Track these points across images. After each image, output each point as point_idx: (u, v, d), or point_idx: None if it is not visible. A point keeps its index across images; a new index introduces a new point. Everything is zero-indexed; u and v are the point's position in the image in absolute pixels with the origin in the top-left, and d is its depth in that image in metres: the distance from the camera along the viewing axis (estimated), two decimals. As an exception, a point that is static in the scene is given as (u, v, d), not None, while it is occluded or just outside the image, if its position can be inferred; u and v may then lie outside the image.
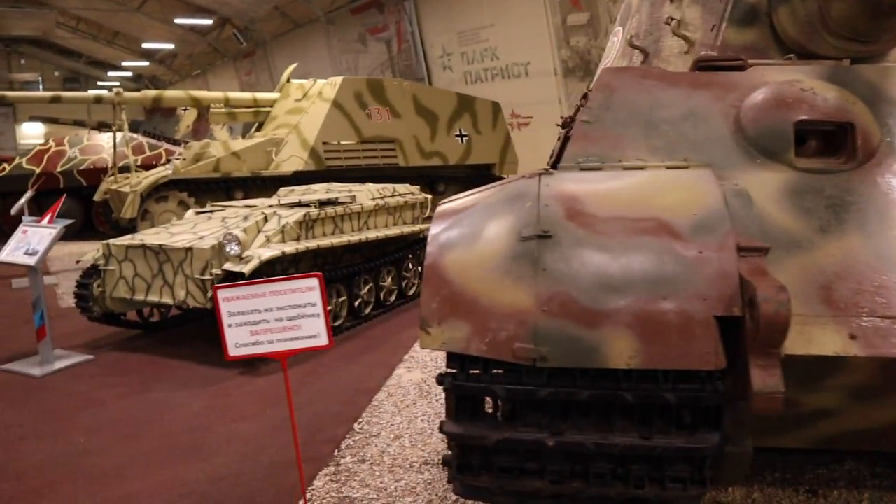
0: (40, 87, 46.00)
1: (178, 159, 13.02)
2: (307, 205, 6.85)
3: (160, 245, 5.84)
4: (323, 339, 2.96)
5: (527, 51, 15.72)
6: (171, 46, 29.17)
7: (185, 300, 5.78)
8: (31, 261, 5.60)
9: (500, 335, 2.25)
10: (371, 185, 8.32)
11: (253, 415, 4.79)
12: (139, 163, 13.38)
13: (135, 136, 14.46)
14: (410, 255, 8.02)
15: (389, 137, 11.36)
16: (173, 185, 9.65)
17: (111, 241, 6.16)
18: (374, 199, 7.79)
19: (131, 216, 9.30)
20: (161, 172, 9.96)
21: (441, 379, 2.38)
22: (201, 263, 5.65)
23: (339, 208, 7.02)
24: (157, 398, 5.14)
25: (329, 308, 6.56)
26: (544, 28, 15.02)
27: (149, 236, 6.21)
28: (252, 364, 5.83)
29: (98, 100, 10.59)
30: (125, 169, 12.99)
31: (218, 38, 31.15)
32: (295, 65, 12.46)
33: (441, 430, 2.36)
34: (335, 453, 4.20)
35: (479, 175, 12.52)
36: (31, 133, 46.08)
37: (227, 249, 5.57)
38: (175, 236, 6.10)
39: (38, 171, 13.64)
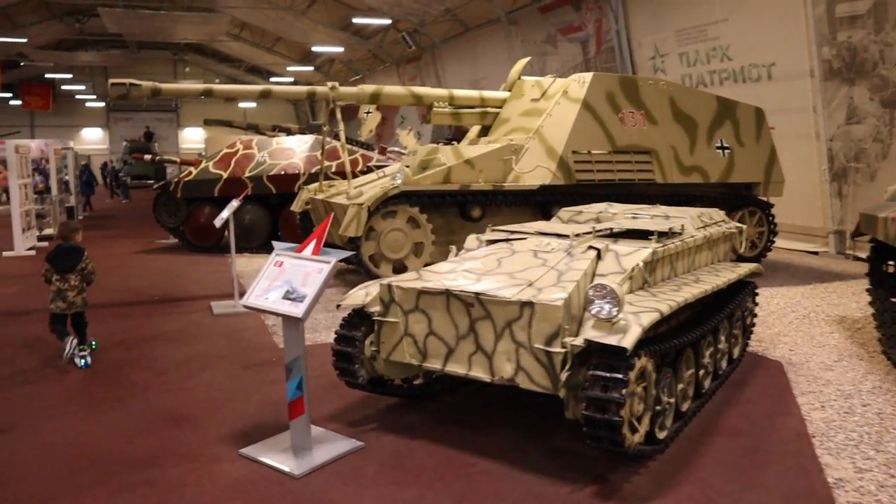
0: (201, 92, 47.11)
1: (379, 165, 11.50)
2: (644, 236, 4.87)
3: (476, 294, 3.98)
4: None
5: (772, 49, 13.22)
6: (340, 49, 28.41)
7: (512, 377, 3.89)
8: (298, 310, 3.87)
9: None
10: (678, 208, 6.29)
11: None
12: (333, 169, 11.96)
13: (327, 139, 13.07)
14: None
15: (645, 147, 9.28)
16: (403, 198, 7.94)
17: (394, 280, 4.36)
18: (698, 228, 5.74)
19: (356, 234, 7.63)
20: (386, 183, 8.31)
21: None
22: (549, 327, 3.74)
23: (678, 242, 5.00)
24: (502, 545, 3.24)
25: (680, 386, 4.53)
26: (800, 21, 12.50)
27: (445, 276, 4.38)
28: (607, 479, 3.87)
29: (311, 95, 9.12)
30: (315, 176, 11.58)
31: (381, 42, 30.17)
32: (528, 59, 10.63)
33: None
34: None
35: (737, 196, 10.22)
36: (192, 138, 47.40)
37: (596, 310, 3.63)
38: (485, 279, 4.24)
39: (225, 175, 12.46)
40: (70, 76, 39.46)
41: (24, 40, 28.54)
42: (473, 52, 24.89)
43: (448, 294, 4.08)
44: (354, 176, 11.57)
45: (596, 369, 3.60)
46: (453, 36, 25.64)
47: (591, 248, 4.58)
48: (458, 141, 14.81)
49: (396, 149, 13.66)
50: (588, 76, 9.13)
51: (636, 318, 3.67)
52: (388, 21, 23.98)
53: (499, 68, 22.66)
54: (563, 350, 3.70)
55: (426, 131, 15.37)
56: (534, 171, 8.49)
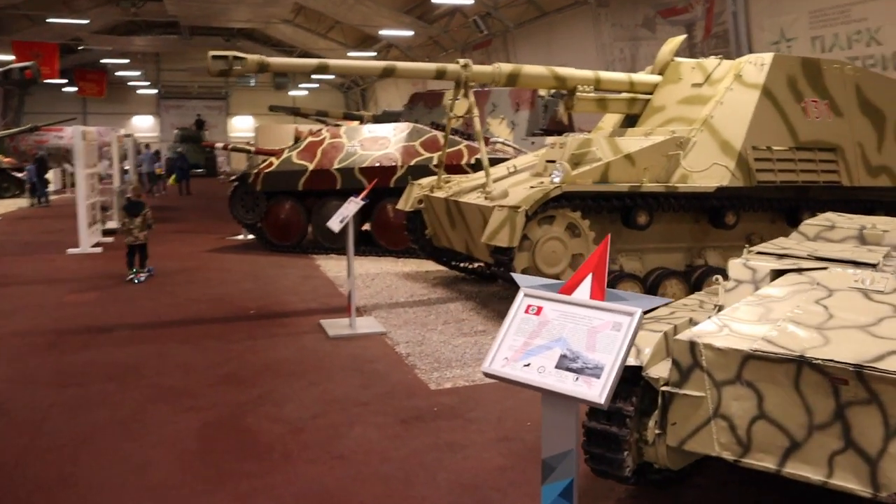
0: (252, 81, 46.42)
1: (494, 159, 10.08)
2: None
3: (857, 367, 2.56)
4: None
5: (933, 32, 11.57)
6: (410, 33, 27.22)
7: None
8: (594, 392, 2.43)
9: None
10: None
11: None
12: (434, 162, 10.58)
13: (422, 127, 11.73)
14: None
15: (830, 143, 7.75)
16: (563, 200, 6.53)
17: (697, 333, 2.94)
18: None
19: (509, 244, 6.23)
20: (531, 179, 6.92)
21: None
22: None
23: None
24: None
25: None
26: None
27: (761, 328, 2.96)
28: None
29: (441, 73, 7.78)
30: (421, 169, 10.24)
31: (446, 27, 28.78)
32: (683, 37, 9.15)
33: None
34: None
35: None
36: (241, 126, 46.51)
37: None
38: (835, 338, 2.81)
39: (310, 167, 11.17)
40: (125, 61, 38.72)
41: (87, 22, 27.62)
42: (549, 38, 23.39)
43: (801, 362, 2.66)
44: (460, 171, 10.23)
45: None
46: (528, 20, 24.15)
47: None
48: (550, 135, 13.35)
49: (499, 139, 12.22)
50: (767, 57, 7.62)
51: None
52: (467, 1, 22.71)
53: (580, 55, 21.06)
54: None
55: (520, 120, 13.90)
56: (708, 170, 7.03)
